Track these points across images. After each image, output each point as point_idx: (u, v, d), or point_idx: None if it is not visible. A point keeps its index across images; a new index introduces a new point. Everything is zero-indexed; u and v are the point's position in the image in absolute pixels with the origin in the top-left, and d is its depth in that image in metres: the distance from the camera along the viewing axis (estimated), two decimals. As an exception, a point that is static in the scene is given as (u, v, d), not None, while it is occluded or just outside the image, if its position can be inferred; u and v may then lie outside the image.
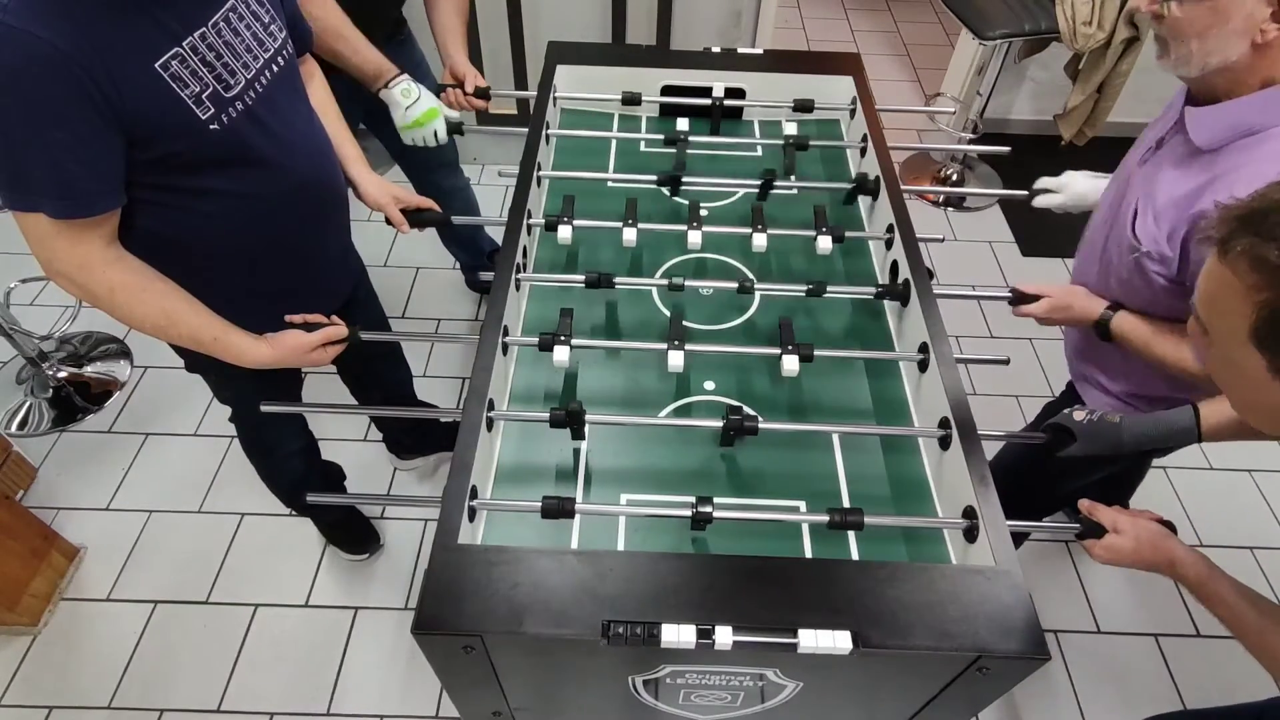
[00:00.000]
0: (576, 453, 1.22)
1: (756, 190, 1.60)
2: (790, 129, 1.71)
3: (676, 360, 1.22)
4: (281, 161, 1.21)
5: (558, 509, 1.03)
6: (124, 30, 0.99)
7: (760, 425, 1.21)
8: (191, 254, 1.19)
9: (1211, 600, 1.02)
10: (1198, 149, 1.09)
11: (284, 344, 1.26)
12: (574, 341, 1.23)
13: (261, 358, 1.24)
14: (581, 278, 1.34)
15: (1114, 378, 1.40)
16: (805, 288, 1.34)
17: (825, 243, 1.44)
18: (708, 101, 1.75)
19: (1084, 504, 1.13)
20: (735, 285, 1.35)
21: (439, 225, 1.61)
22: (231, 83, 1.11)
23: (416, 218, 1.54)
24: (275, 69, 1.19)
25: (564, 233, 1.43)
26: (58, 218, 1.02)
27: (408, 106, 1.64)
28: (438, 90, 1.78)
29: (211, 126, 1.09)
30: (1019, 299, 1.35)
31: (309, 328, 1.30)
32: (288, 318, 1.30)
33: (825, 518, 1.04)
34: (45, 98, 0.95)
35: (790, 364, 1.22)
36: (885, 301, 1.44)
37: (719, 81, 1.76)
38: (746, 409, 1.26)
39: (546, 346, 1.23)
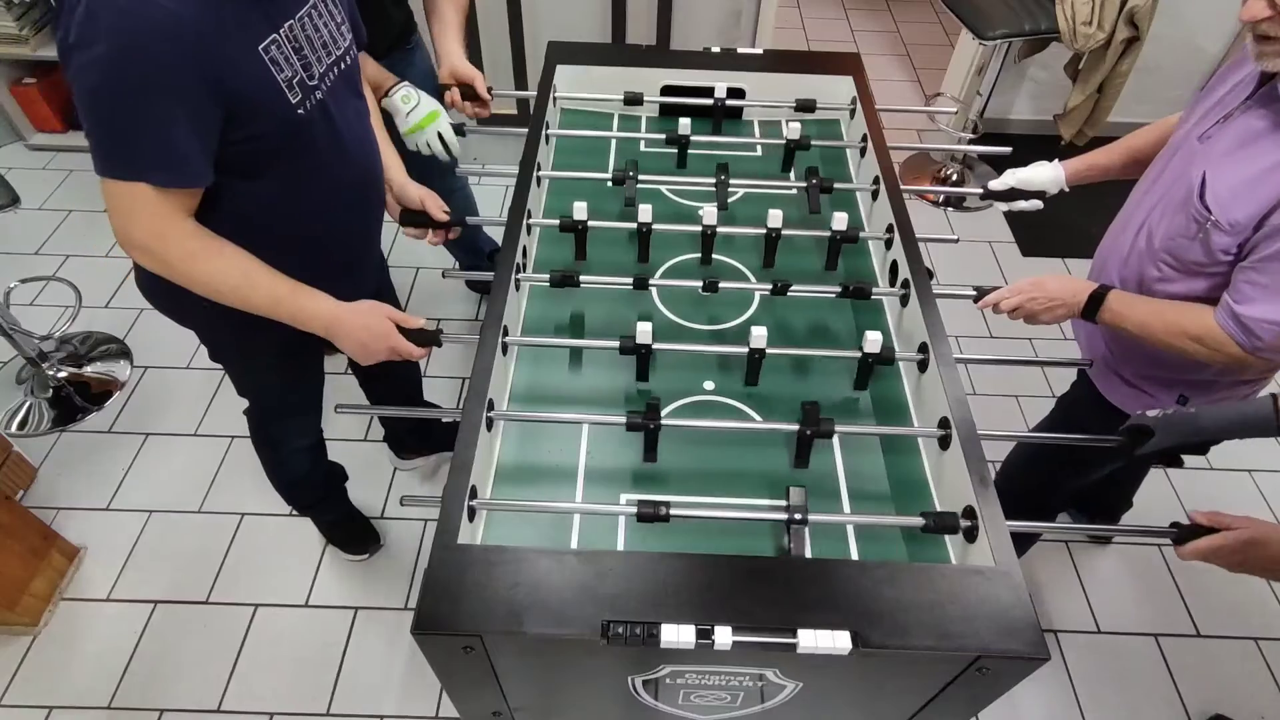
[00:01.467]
0: (576, 453, 1.22)
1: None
2: (793, 130, 1.69)
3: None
4: (340, 156, 1.25)
5: (653, 514, 1.03)
6: (233, 11, 1.01)
7: (760, 426, 1.22)
8: (238, 239, 1.18)
9: None
10: None
11: (379, 308, 1.27)
12: (584, 342, 1.23)
13: (334, 308, 1.23)
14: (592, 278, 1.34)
15: (1160, 368, 1.41)
16: (838, 288, 1.36)
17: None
18: (708, 101, 1.75)
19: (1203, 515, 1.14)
20: (770, 287, 1.35)
21: (453, 226, 1.58)
22: (314, 73, 1.15)
23: (412, 219, 1.54)
24: (343, 67, 1.23)
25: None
26: (164, 188, 1.03)
27: (408, 112, 1.64)
28: (440, 93, 1.78)
29: (299, 111, 1.12)
30: (980, 294, 1.39)
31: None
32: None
33: (920, 521, 1.05)
34: (164, 68, 0.96)
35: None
36: (885, 301, 1.44)
37: (720, 81, 1.76)
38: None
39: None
